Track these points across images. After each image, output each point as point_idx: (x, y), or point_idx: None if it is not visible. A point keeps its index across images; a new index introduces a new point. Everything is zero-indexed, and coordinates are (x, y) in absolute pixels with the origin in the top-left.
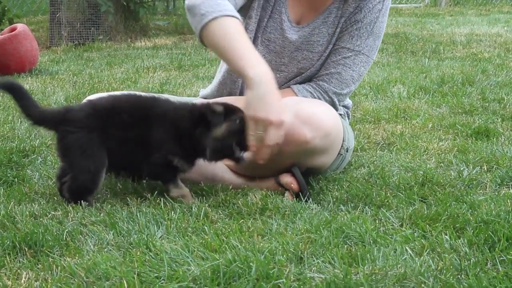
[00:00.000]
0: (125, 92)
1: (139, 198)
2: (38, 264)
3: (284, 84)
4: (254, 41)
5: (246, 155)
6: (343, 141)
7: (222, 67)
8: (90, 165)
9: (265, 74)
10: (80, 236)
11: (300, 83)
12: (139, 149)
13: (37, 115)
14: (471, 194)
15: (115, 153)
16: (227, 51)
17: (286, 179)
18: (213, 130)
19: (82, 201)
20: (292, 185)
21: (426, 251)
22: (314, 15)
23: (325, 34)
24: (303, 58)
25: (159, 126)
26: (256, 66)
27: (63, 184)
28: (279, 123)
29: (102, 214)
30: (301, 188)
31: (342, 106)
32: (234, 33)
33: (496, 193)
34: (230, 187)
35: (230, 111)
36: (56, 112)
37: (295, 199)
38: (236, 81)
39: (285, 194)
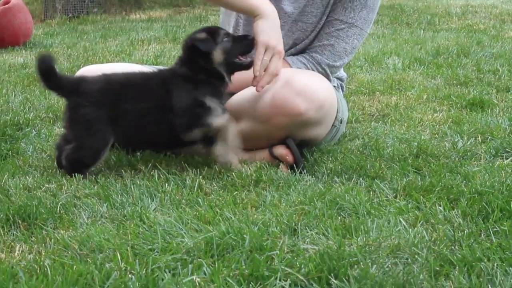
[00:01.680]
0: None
1: (133, 171)
2: (31, 237)
3: None
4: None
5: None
6: (337, 112)
7: None
8: (93, 142)
9: (274, 9)
10: (74, 208)
11: (294, 54)
12: (160, 117)
13: (54, 81)
14: (465, 165)
15: (132, 127)
16: None
17: (281, 151)
18: (213, 56)
19: (76, 173)
20: (287, 157)
21: (420, 222)
22: None
23: (319, 5)
24: (298, 29)
25: (175, 86)
26: (265, 2)
27: (61, 152)
28: (282, 55)
29: (96, 187)
30: (296, 160)
31: (336, 78)
32: None
33: (491, 164)
34: None
35: (213, 33)
36: (71, 80)
37: (289, 171)
38: None
39: (280, 166)
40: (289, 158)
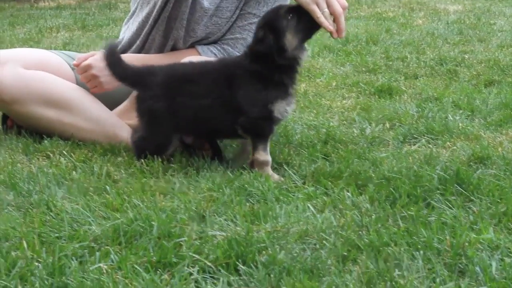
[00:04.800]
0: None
1: (40, 158)
2: None
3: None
4: (167, 2)
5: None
6: None
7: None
8: (158, 137)
9: None
10: None
11: (205, 44)
12: (223, 111)
13: (120, 72)
14: (374, 151)
15: (193, 120)
16: None
17: (193, 138)
18: (285, 45)
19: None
20: (203, 143)
21: (328, 208)
22: None
23: (233, 0)
24: (212, 24)
25: (241, 83)
26: None
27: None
28: None
29: (2, 175)
30: (213, 148)
31: None
32: None
33: (398, 150)
34: None
35: (269, 22)
36: (138, 72)
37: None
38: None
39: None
40: (207, 146)
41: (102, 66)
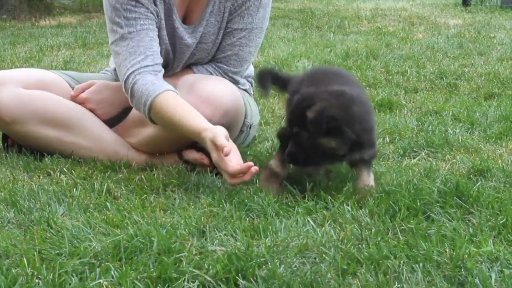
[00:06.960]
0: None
1: (41, 176)
2: None
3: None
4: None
5: None
6: (245, 118)
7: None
8: None
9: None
10: None
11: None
12: None
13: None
14: (373, 165)
15: None
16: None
17: (193, 155)
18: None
19: None
20: (203, 160)
21: (327, 221)
22: (201, 10)
23: (214, 23)
24: (198, 51)
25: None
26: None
27: None
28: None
29: (3, 193)
30: (212, 163)
31: (245, 77)
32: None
33: (398, 164)
34: (134, 163)
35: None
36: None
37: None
38: None
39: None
40: (205, 160)
41: (98, 99)
